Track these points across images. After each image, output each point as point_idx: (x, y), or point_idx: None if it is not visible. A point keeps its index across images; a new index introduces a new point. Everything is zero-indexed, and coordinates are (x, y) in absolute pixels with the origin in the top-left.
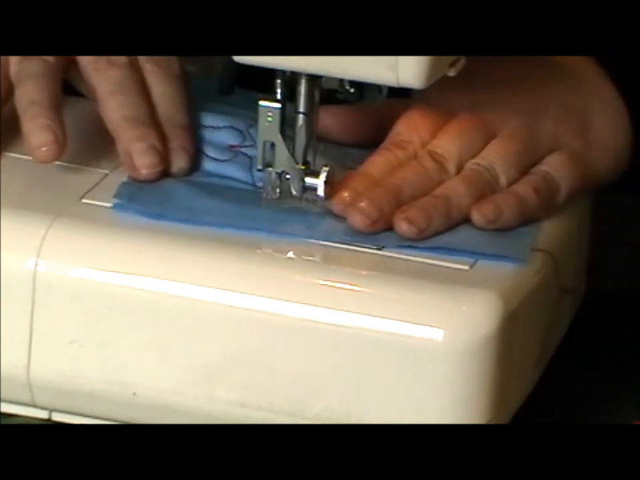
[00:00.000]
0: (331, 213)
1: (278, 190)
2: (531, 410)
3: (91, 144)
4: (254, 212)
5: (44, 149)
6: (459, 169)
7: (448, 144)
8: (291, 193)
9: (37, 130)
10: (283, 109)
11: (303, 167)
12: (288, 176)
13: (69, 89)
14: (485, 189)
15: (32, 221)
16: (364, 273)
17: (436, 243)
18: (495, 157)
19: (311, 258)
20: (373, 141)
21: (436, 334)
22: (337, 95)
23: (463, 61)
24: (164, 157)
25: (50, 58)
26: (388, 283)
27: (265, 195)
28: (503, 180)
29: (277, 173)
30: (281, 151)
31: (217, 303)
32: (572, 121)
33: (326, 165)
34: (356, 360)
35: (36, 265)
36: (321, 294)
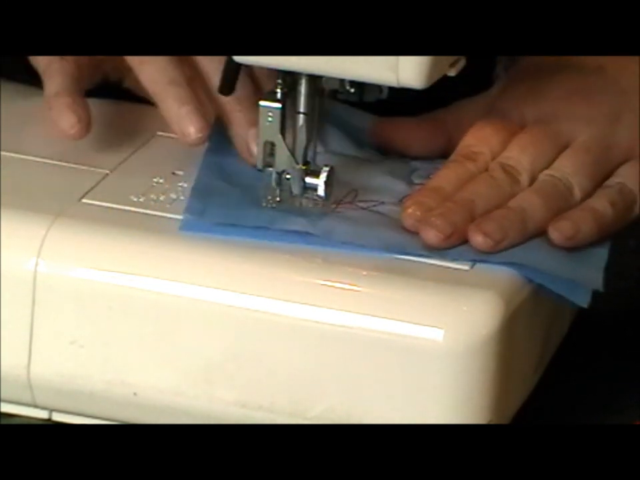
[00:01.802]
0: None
1: (278, 190)
2: (531, 410)
3: (91, 144)
4: (329, 225)
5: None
6: (532, 180)
7: (520, 155)
8: (291, 192)
9: (62, 113)
10: (283, 109)
11: (303, 167)
12: (288, 176)
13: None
14: (559, 201)
15: (32, 221)
16: (364, 273)
17: (510, 258)
18: (569, 168)
19: (310, 258)
20: (441, 152)
21: (436, 334)
22: (337, 94)
23: (463, 61)
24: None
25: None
26: (388, 283)
27: (265, 196)
28: (577, 191)
29: (277, 173)
30: (281, 150)
31: (217, 303)
32: None
33: (326, 165)
34: (356, 360)
35: (36, 265)
36: (321, 294)
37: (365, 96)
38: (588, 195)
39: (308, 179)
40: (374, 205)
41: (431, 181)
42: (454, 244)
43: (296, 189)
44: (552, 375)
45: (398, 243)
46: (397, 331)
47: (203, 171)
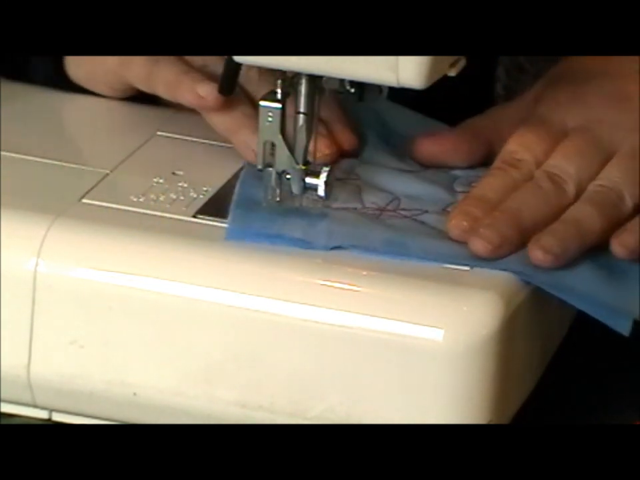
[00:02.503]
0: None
1: (278, 190)
2: (531, 410)
3: (91, 144)
4: (372, 233)
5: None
6: (578, 190)
7: (565, 164)
8: (291, 192)
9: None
10: (282, 109)
11: (303, 167)
12: (288, 176)
13: (54, 84)
14: (613, 210)
15: (32, 221)
16: (364, 273)
17: (555, 279)
18: (619, 177)
19: (310, 258)
20: (482, 160)
21: (436, 334)
22: (337, 95)
23: (463, 61)
24: None
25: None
26: (388, 283)
27: (265, 196)
28: (628, 200)
29: (277, 173)
30: (281, 150)
31: (217, 303)
32: None
33: (326, 165)
34: (356, 360)
35: (36, 265)
36: (321, 294)
37: (364, 96)
38: (639, 204)
39: (308, 179)
40: (418, 214)
41: (475, 189)
42: (503, 254)
43: (296, 189)
44: (552, 375)
45: (444, 253)
46: (397, 331)
47: (243, 181)
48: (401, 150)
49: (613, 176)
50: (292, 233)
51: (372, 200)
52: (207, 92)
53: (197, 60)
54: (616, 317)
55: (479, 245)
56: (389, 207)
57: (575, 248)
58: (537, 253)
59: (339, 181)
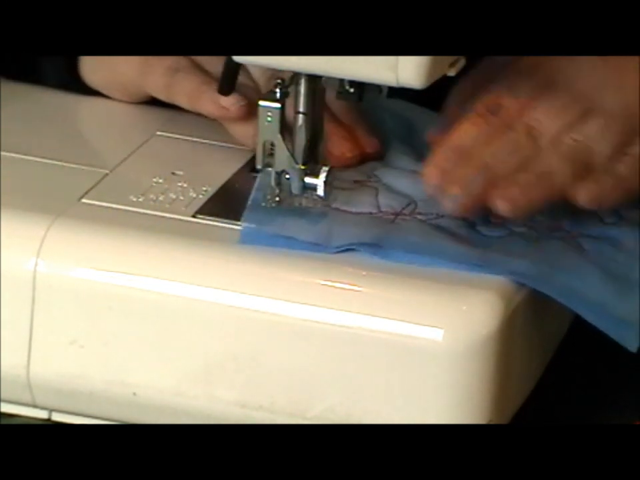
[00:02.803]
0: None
1: (278, 190)
2: (531, 410)
3: (91, 144)
4: (388, 236)
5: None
6: (554, 143)
7: (546, 118)
8: (291, 192)
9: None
10: (282, 109)
11: (303, 167)
12: (288, 176)
13: (67, 87)
14: (581, 165)
15: (32, 221)
16: (364, 273)
17: (564, 286)
18: (594, 133)
19: (310, 258)
20: None
21: (436, 334)
22: (337, 95)
23: (462, 61)
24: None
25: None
26: (388, 283)
27: (265, 195)
28: (600, 157)
29: (277, 173)
30: (281, 150)
31: (217, 303)
32: None
33: (326, 165)
34: (356, 360)
35: (36, 265)
36: (321, 294)
37: (364, 96)
38: (610, 161)
39: (307, 179)
40: (433, 218)
41: (452, 136)
42: (473, 211)
43: (295, 189)
44: (552, 374)
45: (459, 256)
46: (397, 331)
47: (258, 188)
48: (424, 152)
49: (587, 130)
50: (305, 236)
51: (388, 203)
52: (229, 103)
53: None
54: (624, 330)
55: (449, 205)
56: (405, 211)
57: (539, 199)
58: (500, 203)
59: (357, 184)
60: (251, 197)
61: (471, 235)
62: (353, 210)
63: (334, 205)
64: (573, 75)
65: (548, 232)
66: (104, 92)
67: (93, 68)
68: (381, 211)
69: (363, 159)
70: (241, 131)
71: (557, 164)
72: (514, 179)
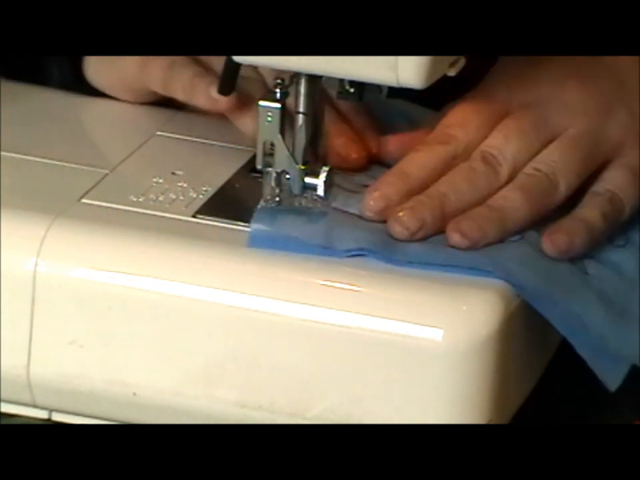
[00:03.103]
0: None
1: (278, 190)
2: (531, 410)
3: (90, 144)
4: (391, 241)
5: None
6: (513, 172)
7: (503, 145)
8: (291, 192)
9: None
10: (282, 109)
11: (303, 167)
12: (288, 176)
13: (71, 88)
14: (543, 198)
15: (32, 221)
16: (364, 273)
17: (562, 307)
18: (557, 163)
19: (310, 258)
20: None
21: (436, 334)
22: (337, 95)
23: (462, 61)
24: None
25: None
26: (388, 283)
27: (265, 196)
28: (562, 189)
29: (277, 173)
30: (281, 150)
31: (217, 303)
32: (636, 129)
33: (326, 165)
34: (356, 360)
35: (36, 265)
36: (321, 294)
37: (364, 96)
38: (572, 191)
39: (307, 179)
40: None
41: (398, 164)
42: (421, 239)
43: (296, 189)
44: (552, 375)
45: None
46: (397, 331)
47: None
48: None
49: (550, 161)
50: (313, 239)
51: None
52: (219, 94)
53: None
54: (611, 366)
55: (397, 230)
56: None
57: (494, 234)
58: (454, 236)
59: (365, 188)
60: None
61: None
62: (351, 211)
63: (334, 205)
64: (532, 97)
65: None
66: (108, 92)
67: (97, 69)
68: None
69: (370, 160)
70: (244, 124)
71: (513, 197)
72: (471, 212)
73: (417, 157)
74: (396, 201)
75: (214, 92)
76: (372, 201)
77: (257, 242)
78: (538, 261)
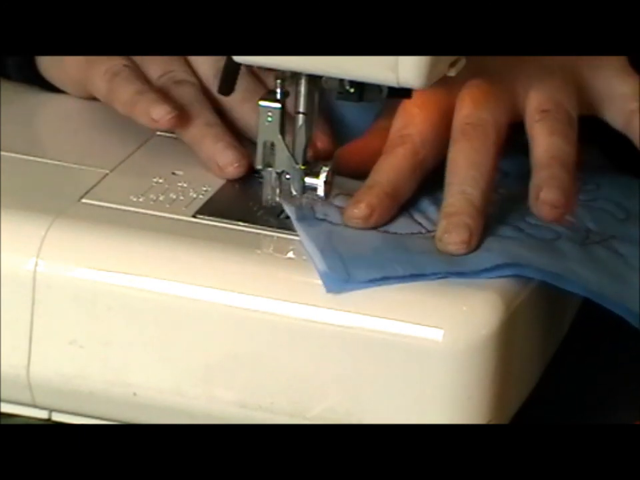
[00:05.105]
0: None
1: (278, 190)
2: (531, 410)
3: (90, 144)
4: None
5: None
6: (500, 130)
7: (475, 111)
8: (291, 192)
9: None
10: (282, 109)
11: (303, 167)
12: (288, 176)
13: (29, 82)
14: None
15: (32, 221)
16: None
17: (555, 268)
18: (554, 95)
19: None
20: None
21: (436, 334)
22: (337, 95)
23: (463, 61)
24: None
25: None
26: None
27: (265, 196)
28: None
29: (277, 173)
30: (281, 150)
31: (217, 303)
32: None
33: (326, 165)
34: (356, 360)
35: (36, 265)
36: (320, 294)
37: (364, 96)
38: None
39: (308, 179)
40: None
41: (369, 177)
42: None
43: (296, 189)
44: (552, 374)
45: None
46: (397, 331)
47: (308, 231)
48: None
49: (545, 98)
50: (396, 272)
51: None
52: (159, 115)
53: (159, 68)
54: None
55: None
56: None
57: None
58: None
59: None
60: (307, 240)
61: (519, 236)
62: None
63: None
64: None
65: (585, 235)
66: (61, 88)
67: (48, 64)
68: (429, 231)
69: (315, 156)
70: (184, 135)
71: (556, 141)
72: (534, 181)
73: (383, 164)
74: (377, 206)
75: (154, 112)
76: (356, 210)
77: (335, 287)
78: (581, 253)
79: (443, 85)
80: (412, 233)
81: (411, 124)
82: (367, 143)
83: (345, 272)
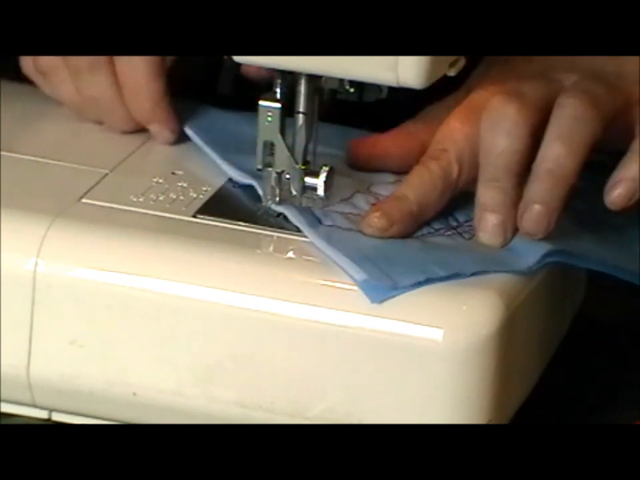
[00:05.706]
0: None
1: (278, 190)
2: (531, 410)
3: (90, 144)
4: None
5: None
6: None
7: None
8: (291, 192)
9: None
10: (282, 109)
11: (303, 167)
12: (288, 176)
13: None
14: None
15: (32, 221)
16: None
17: (557, 246)
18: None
19: (311, 258)
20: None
21: (436, 334)
22: (337, 95)
23: (463, 61)
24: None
25: None
26: None
27: (265, 196)
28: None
29: (277, 173)
30: (281, 150)
31: (217, 303)
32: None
33: (326, 165)
34: (356, 360)
35: (36, 265)
36: (321, 294)
37: (364, 96)
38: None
39: (307, 179)
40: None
41: (398, 187)
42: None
43: (295, 189)
44: (552, 374)
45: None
46: (397, 331)
47: (327, 239)
48: None
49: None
50: (437, 273)
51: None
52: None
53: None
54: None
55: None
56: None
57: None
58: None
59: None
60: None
61: None
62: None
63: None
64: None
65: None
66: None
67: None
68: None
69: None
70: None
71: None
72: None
73: (415, 178)
74: (399, 220)
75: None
76: (377, 219)
77: (379, 295)
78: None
79: (486, 95)
80: (429, 233)
81: (449, 139)
82: (380, 140)
83: (389, 278)
